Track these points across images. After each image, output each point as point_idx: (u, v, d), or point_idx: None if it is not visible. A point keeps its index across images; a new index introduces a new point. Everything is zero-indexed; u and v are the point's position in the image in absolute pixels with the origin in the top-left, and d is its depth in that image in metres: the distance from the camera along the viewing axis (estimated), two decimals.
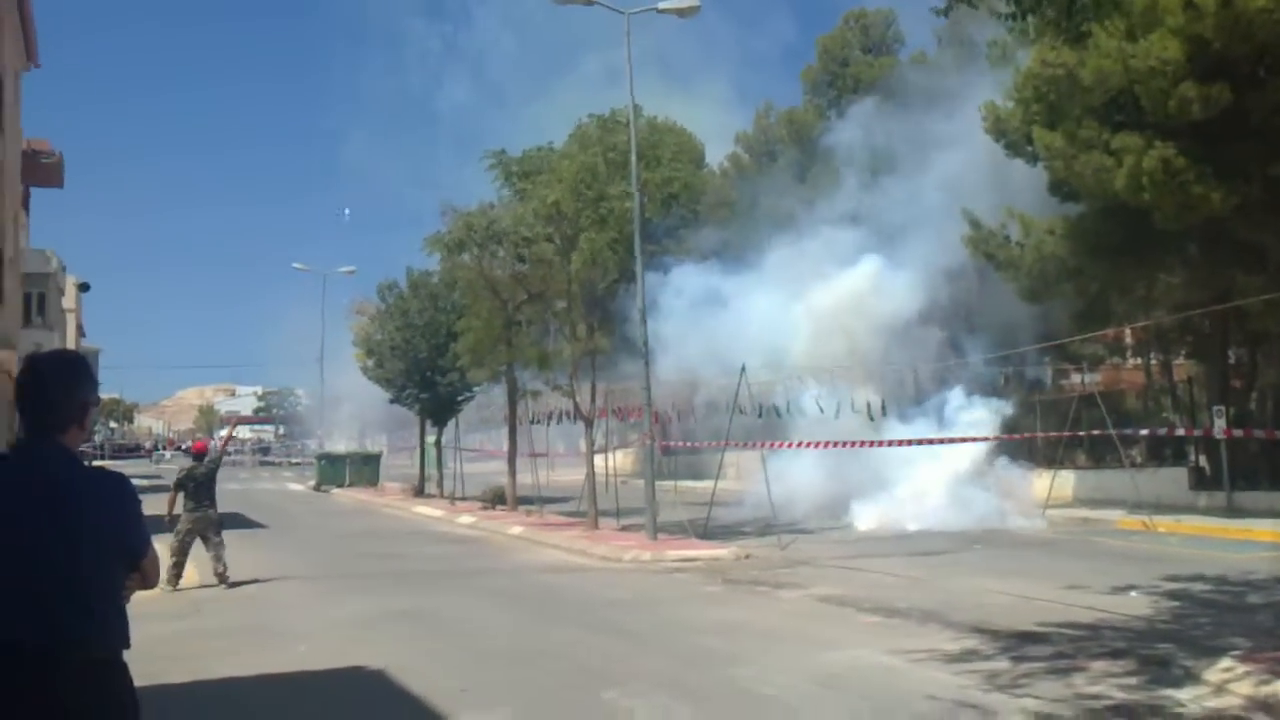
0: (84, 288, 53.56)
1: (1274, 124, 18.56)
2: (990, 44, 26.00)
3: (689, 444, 26.05)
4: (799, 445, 22.93)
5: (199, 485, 14.93)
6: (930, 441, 21.48)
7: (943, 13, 8.77)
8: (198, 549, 14.86)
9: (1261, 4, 17.29)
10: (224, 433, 23.05)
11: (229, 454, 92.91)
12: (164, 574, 12.82)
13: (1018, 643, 9.77)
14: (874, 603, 12.45)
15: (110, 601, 3.36)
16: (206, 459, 15.55)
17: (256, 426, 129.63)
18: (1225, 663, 8.24)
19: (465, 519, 26.60)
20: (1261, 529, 18.79)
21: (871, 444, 22.04)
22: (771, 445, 22.70)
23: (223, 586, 14.60)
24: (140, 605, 3.82)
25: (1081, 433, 23.40)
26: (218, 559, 14.70)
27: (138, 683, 3.42)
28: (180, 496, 14.85)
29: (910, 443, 21.68)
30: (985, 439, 21.37)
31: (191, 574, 15.49)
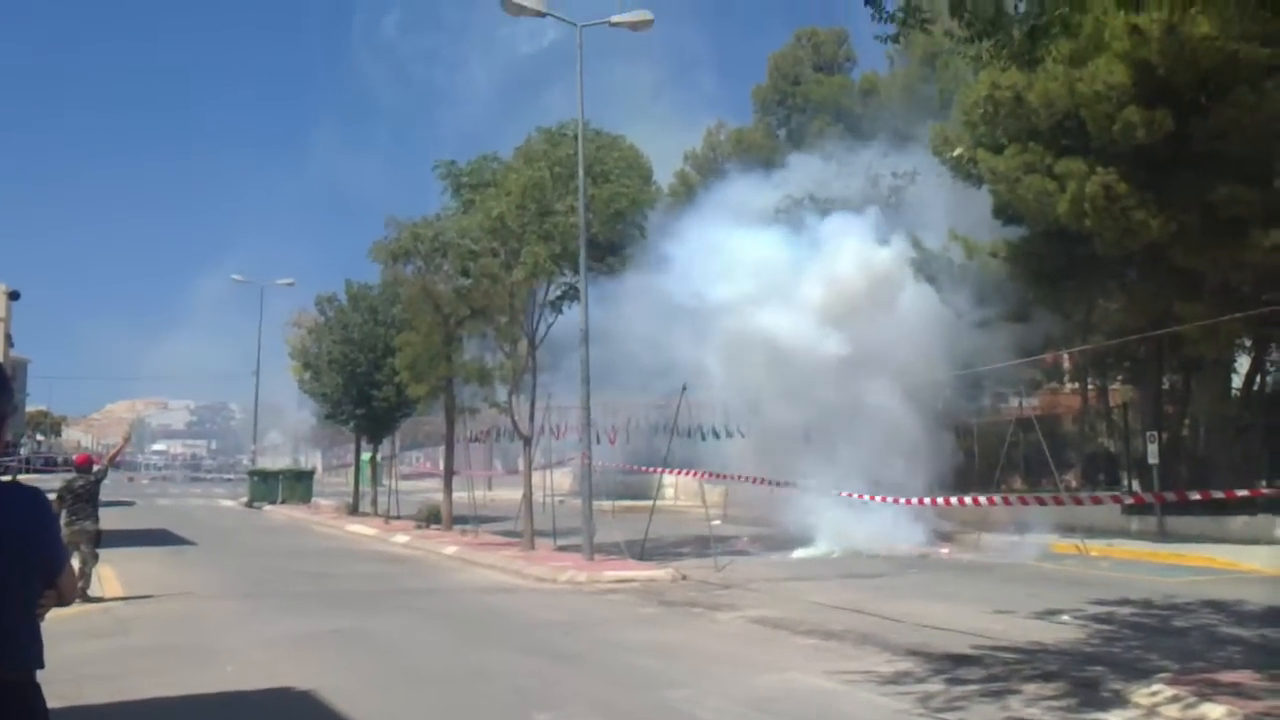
0: (14, 296, 52.26)
1: (1214, 151, 18.90)
2: (941, 66, 26.26)
3: (628, 467, 25.87)
4: (725, 477, 22.93)
5: (77, 498, 14.65)
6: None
7: (893, 39, 8.78)
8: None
9: (1205, 31, 17.63)
10: (116, 443, 22.57)
11: (159, 469, 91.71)
12: None
13: (952, 665, 9.77)
14: (809, 625, 12.43)
15: (24, 619, 3.21)
16: (93, 472, 15.21)
17: (188, 441, 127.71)
18: (1154, 686, 8.28)
19: (400, 538, 26.27)
20: (1191, 554, 19.08)
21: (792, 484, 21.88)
22: (705, 475, 22.74)
23: (78, 601, 14.27)
24: (65, 623, 3.66)
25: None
26: (84, 573, 14.32)
27: (58, 704, 3.27)
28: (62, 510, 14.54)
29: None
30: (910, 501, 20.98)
31: (116, 588, 15.18)
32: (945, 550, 21.45)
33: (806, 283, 24.47)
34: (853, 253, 24.69)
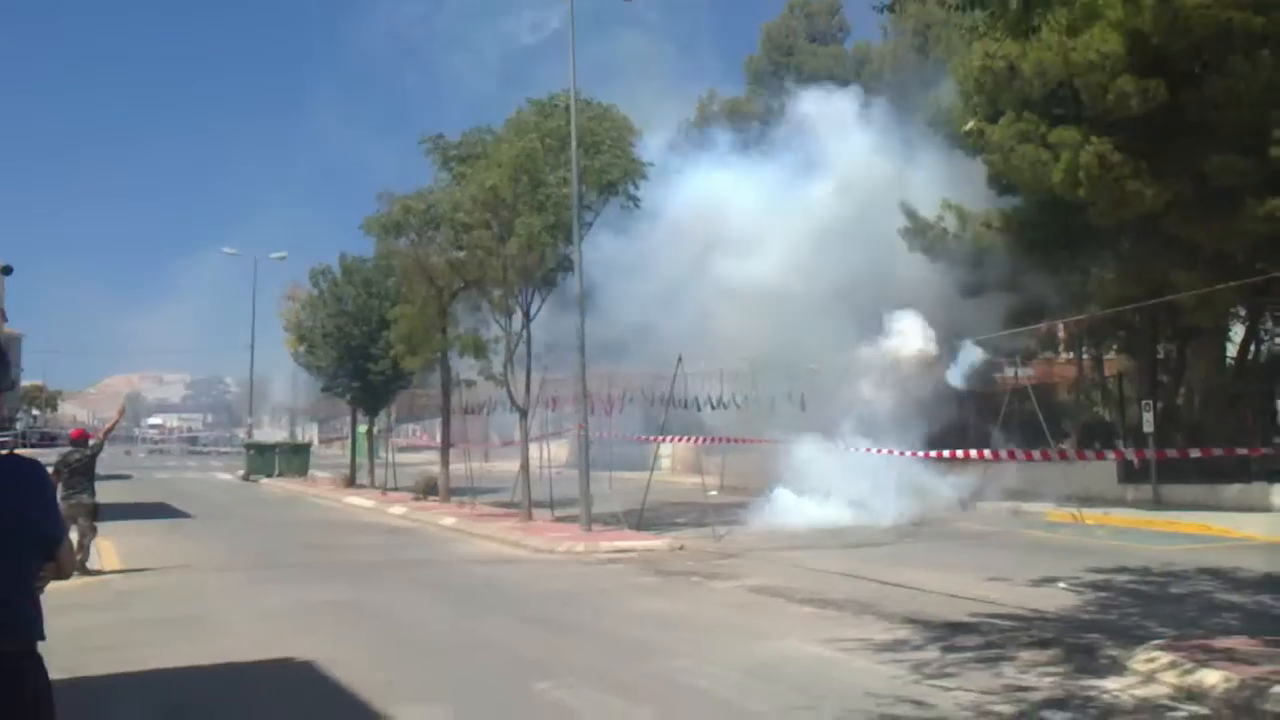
0: (6, 271, 52.24)
1: (1208, 120, 18.87)
2: (935, 37, 26.17)
3: (625, 436, 25.91)
4: (721, 440, 22.98)
5: (74, 472, 14.61)
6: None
7: (889, 8, 8.75)
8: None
9: (1198, 0, 17.57)
10: (111, 417, 22.63)
11: (156, 442, 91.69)
12: None
13: (948, 633, 9.81)
14: (807, 593, 12.48)
15: (24, 592, 3.22)
16: (89, 445, 15.21)
17: (184, 415, 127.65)
18: (1151, 652, 8.33)
19: (397, 509, 26.33)
20: (1186, 521, 19.17)
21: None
22: (701, 441, 22.74)
23: (77, 574, 14.30)
24: (65, 596, 3.67)
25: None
26: (82, 546, 14.33)
27: (58, 676, 3.28)
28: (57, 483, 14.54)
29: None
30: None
31: (114, 560, 15.21)
32: (946, 517, 21.49)
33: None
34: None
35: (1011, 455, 19.85)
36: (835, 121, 26.59)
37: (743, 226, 25.72)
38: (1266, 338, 26.42)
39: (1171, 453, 18.67)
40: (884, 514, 20.83)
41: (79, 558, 14.26)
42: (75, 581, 11.98)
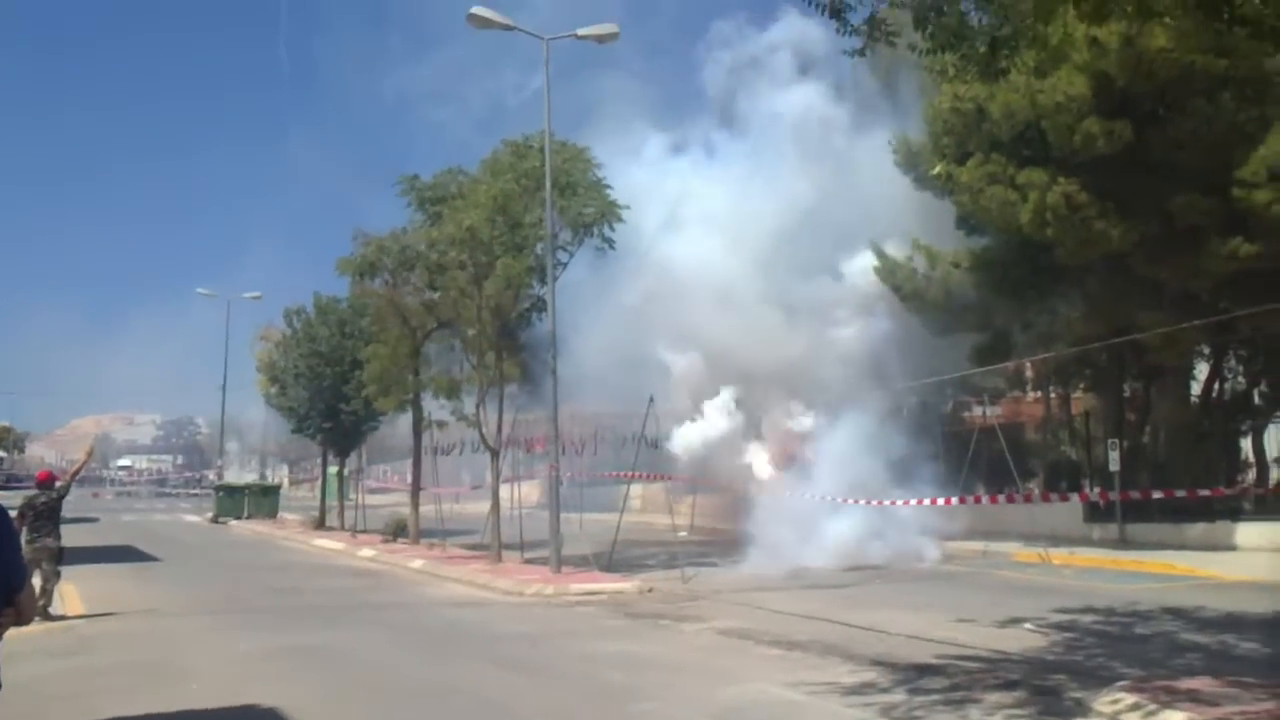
0: None
1: (1173, 161, 19.19)
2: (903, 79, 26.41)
3: (595, 475, 25.93)
4: (690, 480, 23.00)
5: (39, 515, 14.43)
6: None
7: (858, 53, 8.86)
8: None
9: (1162, 44, 17.89)
10: (79, 459, 22.34)
11: (125, 484, 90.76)
12: None
13: (915, 675, 9.83)
14: (775, 635, 12.48)
15: None
16: (55, 488, 15.03)
17: (154, 456, 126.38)
18: (1115, 694, 8.37)
19: (366, 552, 26.15)
20: (1151, 561, 19.29)
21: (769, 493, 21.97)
22: (668, 478, 22.78)
23: (39, 620, 14.16)
24: (26, 642, 3.65)
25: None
26: (45, 591, 14.18)
27: None
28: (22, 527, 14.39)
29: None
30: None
31: (78, 605, 15.04)
32: (912, 558, 21.50)
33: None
34: None
35: (978, 499, 19.99)
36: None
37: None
38: (1230, 376, 26.70)
39: (1135, 494, 18.81)
40: (851, 555, 20.84)
41: (41, 603, 14.09)
42: (37, 627, 11.86)
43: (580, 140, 22.43)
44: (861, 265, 25.32)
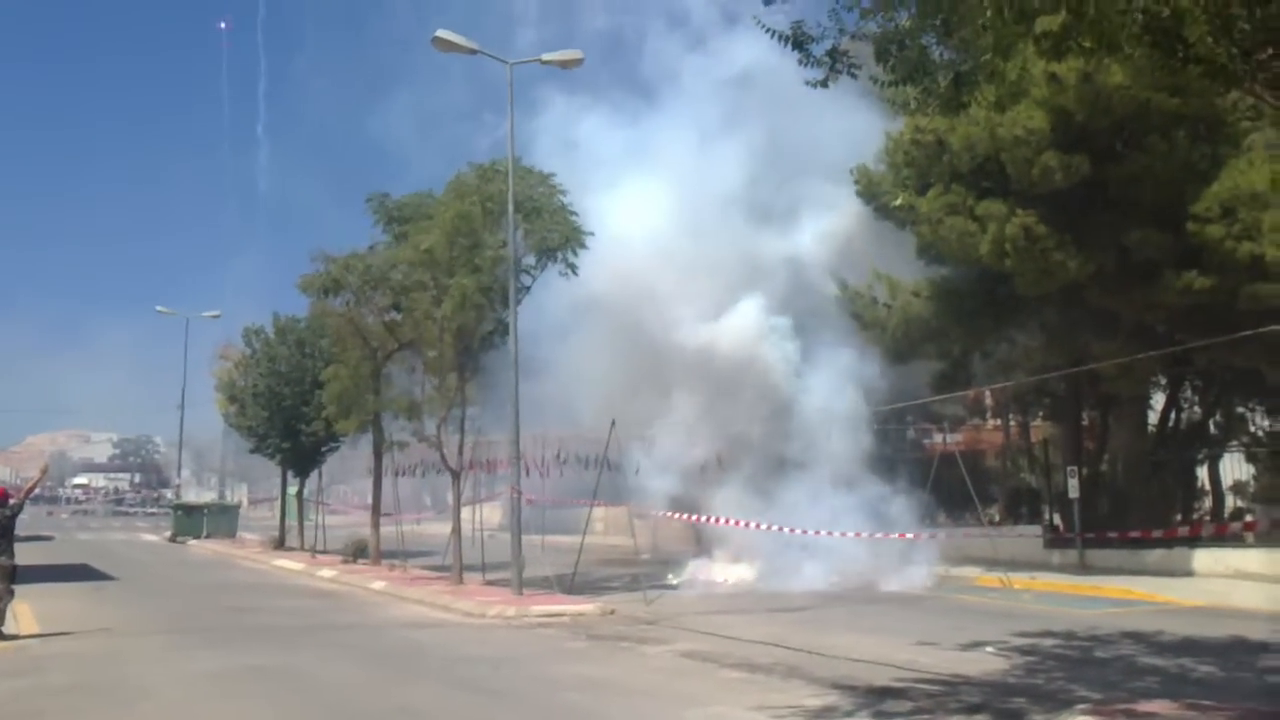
0: None
1: (1129, 196, 19.54)
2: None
3: (557, 499, 25.84)
4: (653, 511, 23.03)
5: None
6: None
7: (821, 84, 8.96)
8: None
9: (1119, 80, 18.21)
10: (34, 476, 22.11)
11: (80, 503, 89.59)
12: None
13: (878, 698, 9.87)
14: (737, 659, 12.49)
15: None
16: (8, 506, 14.86)
17: (111, 475, 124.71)
18: (1076, 717, 8.46)
19: (326, 573, 25.95)
20: (1110, 586, 19.49)
21: (734, 522, 21.90)
22: (631, 505, 22.80)
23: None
24: None
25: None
26: None
27: None
28: None
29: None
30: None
31: (31, 624, 14.84)
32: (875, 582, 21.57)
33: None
34: None
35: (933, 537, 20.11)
36: None
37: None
38: (1186, 406, 27.08)
39: (1090, 535, 19.08)
40: (814, 579, 20.91)
41: None
42: None
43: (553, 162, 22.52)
44: None
